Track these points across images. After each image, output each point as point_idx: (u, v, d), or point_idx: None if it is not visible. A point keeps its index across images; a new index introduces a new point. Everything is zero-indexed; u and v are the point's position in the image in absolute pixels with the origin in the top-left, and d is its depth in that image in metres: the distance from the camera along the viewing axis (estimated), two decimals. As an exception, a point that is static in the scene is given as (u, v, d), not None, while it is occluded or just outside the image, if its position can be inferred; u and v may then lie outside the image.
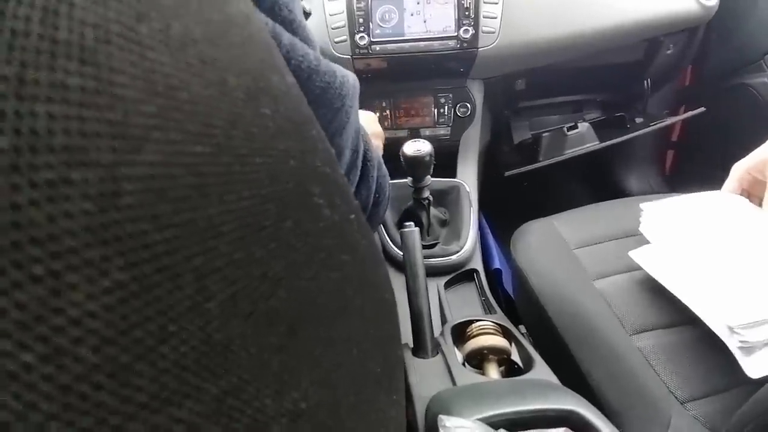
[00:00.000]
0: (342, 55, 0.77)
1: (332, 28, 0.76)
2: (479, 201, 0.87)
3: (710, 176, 0.87)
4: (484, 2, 0.74)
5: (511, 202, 1.05)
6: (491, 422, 0.30)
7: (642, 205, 0.58)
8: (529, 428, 0.30)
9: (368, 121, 0.59)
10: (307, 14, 0.66)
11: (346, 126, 0.24)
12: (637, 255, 0.53)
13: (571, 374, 0.47)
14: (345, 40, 0.76)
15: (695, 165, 1.10)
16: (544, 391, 0.34)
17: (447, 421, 0.28)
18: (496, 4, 0.75)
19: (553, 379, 0.42)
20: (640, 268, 0.56)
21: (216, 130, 0.09)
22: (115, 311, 0.07)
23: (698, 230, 0.50)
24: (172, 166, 0.08)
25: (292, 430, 0.10)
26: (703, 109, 0.95)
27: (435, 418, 0.30)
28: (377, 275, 0.17)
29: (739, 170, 0.55)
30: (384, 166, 0.33)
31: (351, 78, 0.23)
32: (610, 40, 0.81)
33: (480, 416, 0.30)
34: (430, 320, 0.49)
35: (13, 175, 0.06)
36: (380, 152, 0.59)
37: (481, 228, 0.96)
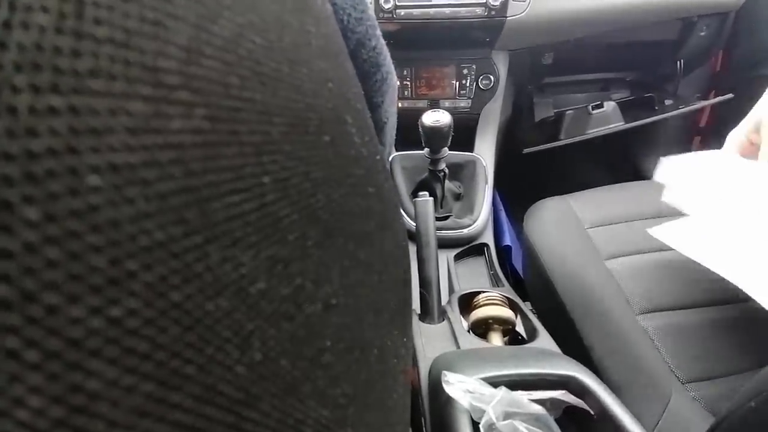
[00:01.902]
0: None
1: (357, -10, 0.74)
2: (495, 177, 0.86)
3: None
4: (516, -33, 0.71)
5: (527, 180, 1.04)
6: (492, 382, 0.31)
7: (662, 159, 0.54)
8: (529, 390, 0.30)
9: None
10: None
11: (384, 128, 0.24)
12: (658, 232, 0.49)
13: (574, 347, 0.48)
14: (370, 3, 0.74)
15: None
16: (545, 358, 0.34)
17: (449, 377, 0.29)
18: (529, -30, 0.72)
19: (555, 348, 0.42)
20: (653, 250, 0.56)
21: (270, 26, 0.09)
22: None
23: (717, 196, 0.47)
24: (237, 45, 0.09)
25: (322, 317, 0.11)
26: (731, 95, 0.91)
27: (438, 375, 0.31)
28: (396, 221, 0.18)
29: (736, 137, 0.53)
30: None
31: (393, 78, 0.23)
32: (643, 14, 0.77)
33: (481, 376, 0.31)
34: (438, 288, 0.50)
35: None
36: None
37: (494, 204, 0.96)
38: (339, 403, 0.11)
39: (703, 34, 0.90)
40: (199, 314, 0.08)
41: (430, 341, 0.42)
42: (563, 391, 0.30)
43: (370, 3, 0.74)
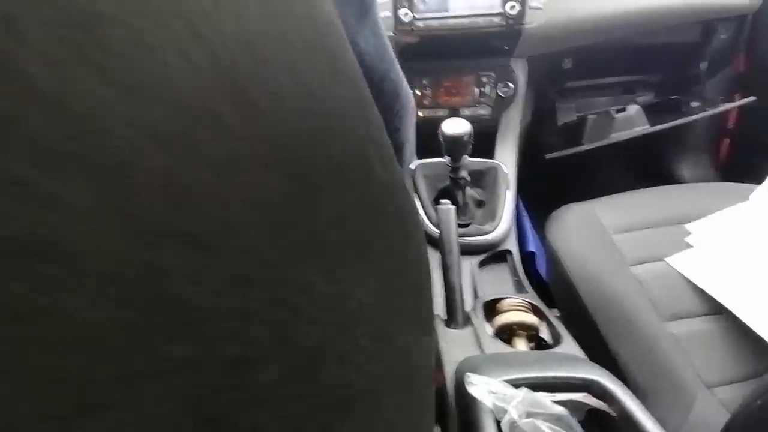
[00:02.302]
0: (386, 32, 0.78)
1: (377, 5, 0.77)
2: (518, 183, 0.87)
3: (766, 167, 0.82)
4: (533, -23, 0.72)
5: (551, 186, 1.03)
6: (515, 384, 0.32)
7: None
8: (551, 392, 0.31)
9: None
10: None
11: (403, 148, 0.26)
12: (675, 261, 0.52)
13: (600, 353, 0.48)
14: (388, 16, 0.77)
15: (751, 155, 1.03)
16: (568, 362, 0.35)
17: (473, 378, 0.30)
18: (546, -22, 0.73)
19: (580, 353, 0.43)
20: (678, 255, 0.55)
21: (309, 36, 0.12)
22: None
23: (742, 238, 0.49)
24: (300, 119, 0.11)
25: (357, 312, 0.13)
26: (754, 98, 0.89)
27: (463, 377, 0.33)
28: (414, 234, 0.19)
29: None
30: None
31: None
32: (661, 19, 0.77)
33: (505, 378, 0.32)
34: (462, 294, 0.51)
35: None
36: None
37: (517, 210, 0.95)
38: (372, 374, 0.13)
39: (723, 36, 0.89)
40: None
41: (455, 345, 0.44)
42: (585, 394, 0.31)
43: (390, 15, 0.76)
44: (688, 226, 0.57)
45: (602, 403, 0.31)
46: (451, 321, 0.49)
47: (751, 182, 1.00)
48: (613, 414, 0.31)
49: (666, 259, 0.53)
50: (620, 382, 0.33)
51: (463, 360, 0.38)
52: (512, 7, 0.73)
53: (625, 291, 0.51)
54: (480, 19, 0.74)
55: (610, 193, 0.69)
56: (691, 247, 0.54)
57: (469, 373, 0.31)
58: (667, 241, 0.57)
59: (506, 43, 0.78)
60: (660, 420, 0.40)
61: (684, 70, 0.98)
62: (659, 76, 1.03)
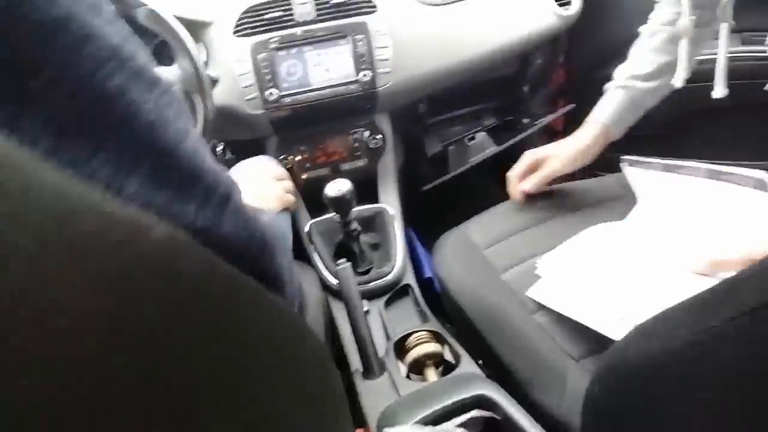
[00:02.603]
0: (255, 111, 0.83)
1: (243, 87, 0.81)
2: (406, 217, 0.97)
3: (602, 158, 1.05)
4: (377, 48, 0.84)
5: (435, 212, 1.17)
6: (425, 422, 0.39)
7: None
8: (451, 417, 0.39)
9: (262, 168, 0.67)
10: (214, 81, 0.71)
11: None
12: (534, 292, 0.60)
13: (489, 358, 0.57)
14: (256, 96, 0.82)
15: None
16: (462, 383, 0.43)
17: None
18: (387, 48, 0.85)
19: (474, 368, 0.51)
20: (540, 253, 0.67)
21: None
22: None
23: (585, 262, 0.59)
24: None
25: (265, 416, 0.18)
26: (573, 105, 1.13)
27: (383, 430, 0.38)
28: (306, 341, 0.25)
29: (528, 157, 0.74)
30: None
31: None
32: (488, 61, 0.95)
33: (416, 419, 0.39)
34: (373, 344, 0.57)
35: None
36: (288, 191, 0.66)
37: (410, 243, 1.06)
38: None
39: (539, 61, 1.12)
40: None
41: (374, 396, 0.49)
42: (476, 410, 0.39)
43: (256, 96, 0.81)
44: (537, 260, 0.64)
45: (491, 413, 0.39)
46: (368, 372, 0.55)
47: (583, 176, 1.25)
48: (499, 418, 0.39)
49: (526, 292, 0.60)
50: (502, 390, 0.41)
51: (382, 411, 0.43)
52: (364, 75, 0.84)
53: (499, 297, 0.62)
54: (339, 88, 0.84)
55: (486, 208, 0.81)
56: (540, 277, 0.62)
57: (384, 429, 0.37)
58: (530, 243, 0.69)
59: (367, 104, 0.88)
60: (544, 402, 0.49)
61: (513, 95, 1.20)
62: (496, 103, 1.24)
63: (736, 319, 0.20)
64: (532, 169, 0.72)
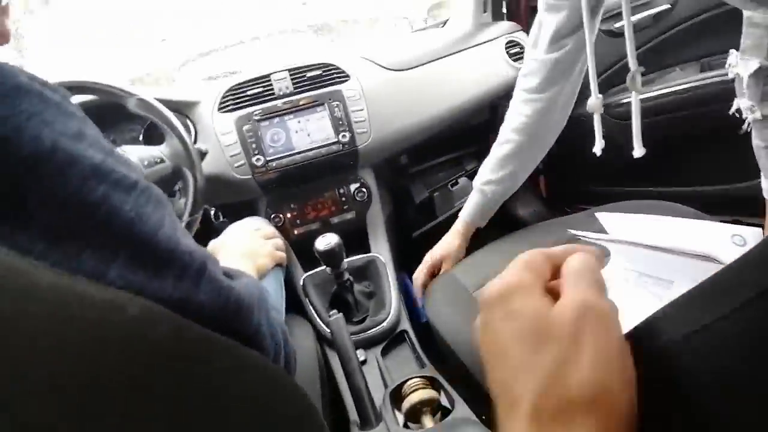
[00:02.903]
0: (243, 176, 0.88)
1: (230, 156, 0.87)
2: (399, 264, 0.99)
3: (577, 193, 1.07)
4: (353, 111, 0.91)
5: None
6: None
7: None
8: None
9: (251, 229, 0.71)
10: (203, 154, 0.77)
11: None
12: None
13: (487, 401, 0.57)
14: (243, 164, 0.88)
15: (565, 186, 1.34)
16: (455, 430, 0.44)
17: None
18: (363, 110, 0.92)
19: (468, 412, 0.52)
20: None
21: None
22: None
23: None
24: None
25: None
26: None
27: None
28: (286, 392, 0.27)
29: (428, 259, 0.83)
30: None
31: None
32: (456, 115, 1.02)
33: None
34: (369, 394, 0.57)
35: None
36: (279, 248, 0.69)
37: (405, 289, 1.07)
38: None
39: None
40: None
41: (372, 449, 0.49)
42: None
43: (244, 163, 0.87)
44: None
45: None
46: (364, 424, 0.55)
47: (570, 207, 1.27)
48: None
49: None
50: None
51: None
52: (344, 136, 0.90)
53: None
54: (322, 149, 0.90)
55: (477, 248, 0.84)
56: None
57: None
58: None
59: (350, 160, 0.94)
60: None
61: (488, 140, 1.26)
62: (475, 147, 1.30)
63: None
64: (435, 265, 0.83)
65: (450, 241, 0.84)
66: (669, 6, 0.97)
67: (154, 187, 0.27)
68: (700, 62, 1.03)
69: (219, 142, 0.87)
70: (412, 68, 1.01)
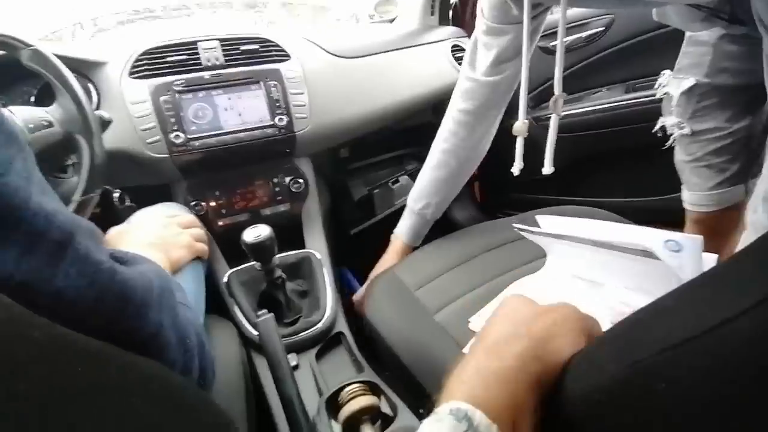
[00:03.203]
0: (158, 155, 0.76)
1: (142, 130, 0.75)
2: (337, 260, 0.92)
3: (509, 200, 1.09)
4: (292, 94, 0.84)
5: (368, 254, 1.14)
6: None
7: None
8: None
9: (162, 216, 0.60)
10: (106, 122, 0.64)
11: None
12: (474, 322, 0.60)
13: (430, 406, 0.53)
14: (159, 140, 0.75)
15: (498, 192, 1.38)
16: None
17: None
18: (303, 93, 0.85)
19: (413, 420, 0.47)
20: (472, 290, 0.66)
21: None
22: None
23: None
24: None
25: None
26: None
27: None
28: (201, 414, 0.19)
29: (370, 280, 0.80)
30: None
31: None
32: (400, 111, 0.99)
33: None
34: (302, 404, 0.50)
35: None
36: (199, 239, 0.60)
37: (347, 285, 1.01)
38: None
39: None
40: None
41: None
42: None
43: (159, 139, 0.75)
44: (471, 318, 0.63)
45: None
46: (296, 438, 0.47)
47: (502, 212, 1.30)
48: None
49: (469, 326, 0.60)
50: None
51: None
52: (281, 119, 0.82)
53: (434, 340, 0.59)
54: (255, 132, 0.81)
55: (413, 250, 0.81)
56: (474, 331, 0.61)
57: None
58: (464, 281, 0.67)
59: (286, 147, 0.86)
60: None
61: (431, 141, 1.26)
62: (417, 149, 1.29)
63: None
64: None
65: (390, 260, 0.85)
66: (603, 28, 1.04)
67: (8, 121, 0.19)
68: (626, 84, 1.12)
69: (128, 112, 0.74)
70: (358, 57, 0.96)
